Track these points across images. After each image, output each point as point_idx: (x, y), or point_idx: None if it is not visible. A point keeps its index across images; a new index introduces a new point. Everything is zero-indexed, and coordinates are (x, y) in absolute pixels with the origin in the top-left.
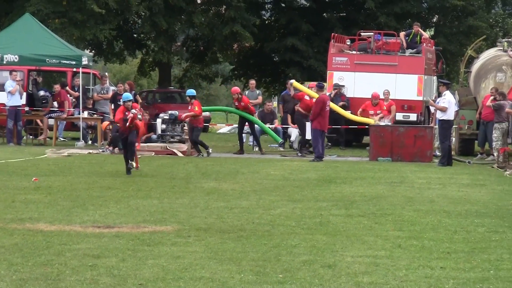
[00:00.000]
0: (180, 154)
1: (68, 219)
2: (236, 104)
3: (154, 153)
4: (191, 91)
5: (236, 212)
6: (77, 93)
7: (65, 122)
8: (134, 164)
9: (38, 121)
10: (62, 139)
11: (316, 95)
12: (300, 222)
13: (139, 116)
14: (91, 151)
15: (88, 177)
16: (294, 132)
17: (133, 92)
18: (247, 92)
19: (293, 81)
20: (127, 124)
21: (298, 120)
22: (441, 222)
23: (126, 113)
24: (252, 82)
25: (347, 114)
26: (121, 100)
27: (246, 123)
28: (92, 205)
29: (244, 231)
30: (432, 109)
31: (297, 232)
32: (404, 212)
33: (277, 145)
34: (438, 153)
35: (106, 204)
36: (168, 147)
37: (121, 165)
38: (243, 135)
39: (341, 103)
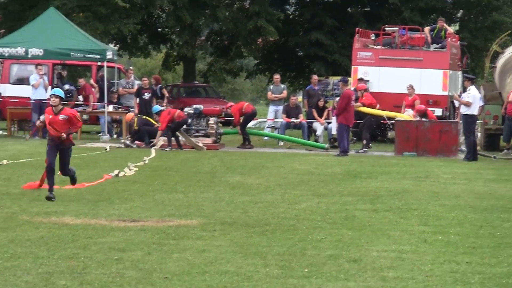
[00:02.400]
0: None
1: (94, 213)
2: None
3: (206, 147)
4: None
5: (261, 207)
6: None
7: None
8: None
9: None
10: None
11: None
12: (325, 216)
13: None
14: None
15: (113, 171)
16: (319, 127)
17: (159, 86)
18: (271, 87)
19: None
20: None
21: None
22: (467, 217)
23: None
24: (277, 76)
25: (380, 112)
26: (145, 94)
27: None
28: (117, 199)
29: (269, 225)
30: (456, 103)
31: (322, 226)
32: (430, 207)
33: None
34: (463, 148)
35: (131, 198)
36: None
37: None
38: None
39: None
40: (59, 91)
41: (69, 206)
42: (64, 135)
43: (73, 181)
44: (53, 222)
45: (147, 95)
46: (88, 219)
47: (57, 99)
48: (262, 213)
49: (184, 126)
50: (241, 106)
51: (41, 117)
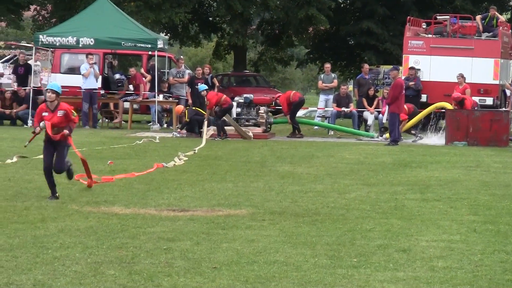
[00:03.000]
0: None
1: (143, 203)
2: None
3: (253, 136)
4: None
5: (310, 196)
6: (149, 76)
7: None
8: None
9: (112, 104)
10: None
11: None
12: (375, 206)
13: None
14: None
15: (163, 160)
16: (370, 116)
17: (210, 75)
18: (322, 76)
19: None
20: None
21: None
22: None
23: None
24: (328, 65)
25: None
26: (198, 84)
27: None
28: (167, 188)
29: (319, 215)
30: (508, 92)
31: (372, 216)
32: (480, 196)
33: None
34: None
35: (181, 187)
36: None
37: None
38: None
39: (411, 84)
40: (56, 86)
41: (118, 196)
42: (67, 132)
43: (70, 174)
44: (103, 211)
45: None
46: (137, 208)
47: (53, 95)
48: (312, 202)
49: (234, 115)
50: (288, 95)
51: (41, 124)
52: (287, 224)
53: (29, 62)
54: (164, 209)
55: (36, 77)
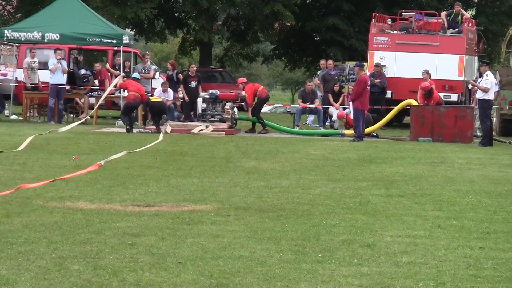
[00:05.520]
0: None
1: (108, 198)
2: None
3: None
4: None
5: (275, 192)
6: (118, 71)
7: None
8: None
9: (78, 100)
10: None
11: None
12: (339, 201)
13: None
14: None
15: (128, 156)
16: (335, 112)
17: (176, 71)
18: (318, 73)
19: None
20: None
21: None
22: (481, 203)
23: None
24: (323, 62)
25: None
26: (191, 82)
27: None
28: (132, 183)
29: (284, 210)
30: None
31: (337, 211)
32: (444, 192)
33: (317, 125)
34: (479, 134)
35: (146, 182)
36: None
37: (161, 144)
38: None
39: (377, 81)
40: None
41: (83, 191)
42: None
43: None
44: (68, 207)
45: (193, 83)
46: (102, 204)
47: None
48: (277, 198)
49: (200, 111)
50: (256, 88)
51: None
52: (252, 220)
53: None
54: (129, 205)
55: None
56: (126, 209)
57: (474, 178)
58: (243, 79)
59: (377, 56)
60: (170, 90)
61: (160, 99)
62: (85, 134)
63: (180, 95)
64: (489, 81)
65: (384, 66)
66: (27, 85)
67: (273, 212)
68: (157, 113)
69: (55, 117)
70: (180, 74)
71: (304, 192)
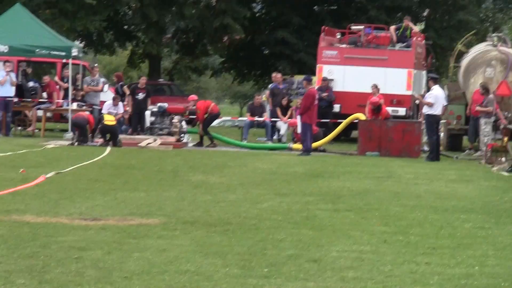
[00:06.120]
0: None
1: (55, 211)
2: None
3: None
4: None
5: (223, 206)
6: (66, 84)
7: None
8: None
9: (27, 112)
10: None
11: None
12: (286, 216)
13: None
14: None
15: (75, 169)
16: (283, 126)
17: (121, 83)
18: (270, 86)
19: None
20: None
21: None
22: (428, 218)
23: None
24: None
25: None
26: (139, 94)
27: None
28: (79, 197)
29: (231, 224)
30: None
31: (284, 226)
32: (391, 207)
33: (265, 139)
34: (426, 148)
35: (93, 196)
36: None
37: (109, 157)
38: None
39: (324, 95)
40: None
41: (30, 204)
42: None
43: None
44: (14, 220)
45: (141, 95)
46: (49, 217)
47: None
48: (224, 212)
49: (148, 124)
50: (208, 105)
51: None
52: (198, 234)
53: None
54: (76, 218)
55: None
56: (72, 223)
57: (420, 193)
58: (194, 97)
59: (325, 70)
60: (120, 103)
61: (114, 123)
62: (32, 147)
63: (129, 108)
64: (433, 95)
65: (332, 80)
66: None
67: (220, 227)
68: (109, 134)
69: (2, 130)
70: (125, 87)
71: (251, 206)
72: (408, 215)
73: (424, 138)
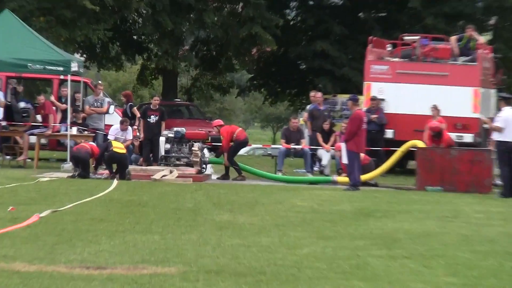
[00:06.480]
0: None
1: (51, 258)
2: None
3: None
4: None
5: (254, 251)
6: (64, 105)
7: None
8: None
9: (18, 138)
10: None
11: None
12: (332, 264)
13: None
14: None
15: (76, 207)
16: (325, 154)
17: (130, 104)
18: (307, 107)
19: None
20: None
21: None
22: (504, 266)
23: None
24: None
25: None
26: (151, 116)
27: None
28: (80, 240)
29: (264, 274)
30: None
31: (329, 276)
32: (459, 253)
33: (303, 170)
34: (498, 182)
35: (97, 239)
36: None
37: (116, 192)
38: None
39: (373, 117)
40: None
41: (21, 250)
42: None
43: None
44: (1, 268)
45: (153, 118)
46: (44, 265)
47: None
48: (256, 259)
49: (163, 152)
50: (233, 130)
51: None
52: (225, 286)
53: None
54: (77, 266)
55: None
56: (72, 272)
57: (494, 236)
58: (219, 121)
59: (374, 88)
60: (130, 128)
61: (124, 151)
62: (24, 180)
63: (139, 133)
64: (502, 119)
65: (383, 100)
66: None
67: (251, 277)
68: (117, 164)
69: None
70: (135, 108)
71: (288, 252)
72: (480, 263)
73: (496, 170)
